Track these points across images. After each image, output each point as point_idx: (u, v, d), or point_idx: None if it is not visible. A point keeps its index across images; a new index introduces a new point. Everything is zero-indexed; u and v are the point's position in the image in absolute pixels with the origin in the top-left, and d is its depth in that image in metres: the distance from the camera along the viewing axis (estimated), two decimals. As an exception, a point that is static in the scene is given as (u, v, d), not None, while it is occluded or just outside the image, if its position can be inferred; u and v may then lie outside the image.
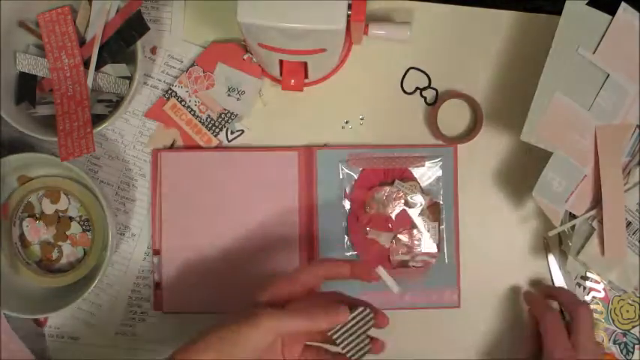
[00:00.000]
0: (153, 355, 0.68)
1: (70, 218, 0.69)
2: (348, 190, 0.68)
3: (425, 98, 0.69)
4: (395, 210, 0.67)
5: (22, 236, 0.68)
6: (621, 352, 0.69)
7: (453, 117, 0.69)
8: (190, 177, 0.67)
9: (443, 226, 0.68)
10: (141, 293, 0.69)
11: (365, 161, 0.68)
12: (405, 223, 0.68)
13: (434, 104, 0.69)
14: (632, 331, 0.69)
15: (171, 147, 0.68)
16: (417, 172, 0.68)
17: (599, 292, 0.69)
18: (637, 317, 0.69)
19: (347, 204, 0.68)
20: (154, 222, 0.68)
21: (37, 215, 0.68)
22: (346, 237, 0.68)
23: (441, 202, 0.68)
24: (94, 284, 0.63)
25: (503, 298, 0.69)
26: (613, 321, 0.69)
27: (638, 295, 0.68)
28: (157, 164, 0.68)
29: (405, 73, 0.69)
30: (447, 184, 0.68)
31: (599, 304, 0.69)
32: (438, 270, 0.68)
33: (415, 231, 0.68)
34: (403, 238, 0.68)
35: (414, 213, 0.67)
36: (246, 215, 0.68)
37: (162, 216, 0.67)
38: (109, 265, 0.68)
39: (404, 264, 0.68)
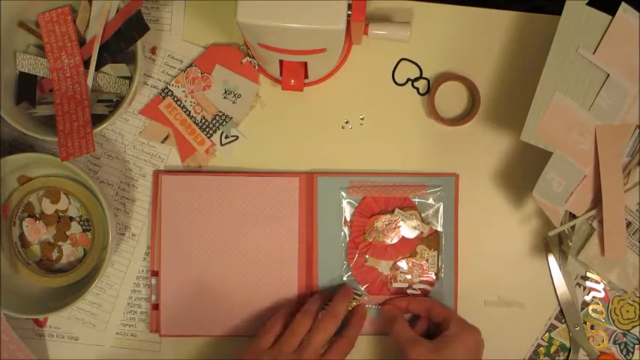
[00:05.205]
0: (153, 355, 0.68)
1: (70, 218, 0.69)
2: (348, 217, 0.68)
3: (417, 88, 0.69)
4: (394, 238, 0.67)
5: (22, 236, 0.68)
6: (621, 352, 0.69)
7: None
8: (191, 200, 0.67)
9: (442, 255, 0.68)
10: (141, 293, 0.69)
11: (366, 189, 0.67)
12: (405, 251, 0.68)
13: (427, 93, 0.68)
14: (632, 331, 0.69)
15: (164, 140, 0.68)
16: (417, 200, 0.68)
17: (599, 292, 0.69)
18: (637, 317, 0.69)
19: (347, 231, 0.68)
20: (153, 243, 0.68)
21: (37, 215, 0.68)
22: (345, 263, 0.67)
23: (441, 231, 0.68)
24: (94, 284, 0.63)
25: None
26: (613, 321, 0.69)
27: (638, 295, 0.68)
28: (158, 186, 0.67)
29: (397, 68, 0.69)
30: (447, 214, 0.67)
31: (599, 304, 0.69)
32: (435, 298, 0.67)
33: (414, 259, 0.68)
34: (402, 265, 0.68)
35: (413, 241, 0.67)
36: (245, 240, 0.67)
37: (162, 238, 0.67)
38: (109, 265, 0.68)
39: (402, 291, 0.68)
